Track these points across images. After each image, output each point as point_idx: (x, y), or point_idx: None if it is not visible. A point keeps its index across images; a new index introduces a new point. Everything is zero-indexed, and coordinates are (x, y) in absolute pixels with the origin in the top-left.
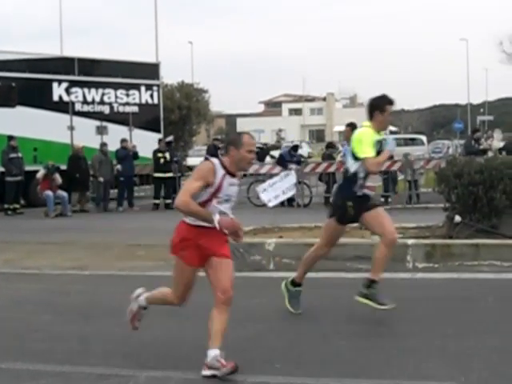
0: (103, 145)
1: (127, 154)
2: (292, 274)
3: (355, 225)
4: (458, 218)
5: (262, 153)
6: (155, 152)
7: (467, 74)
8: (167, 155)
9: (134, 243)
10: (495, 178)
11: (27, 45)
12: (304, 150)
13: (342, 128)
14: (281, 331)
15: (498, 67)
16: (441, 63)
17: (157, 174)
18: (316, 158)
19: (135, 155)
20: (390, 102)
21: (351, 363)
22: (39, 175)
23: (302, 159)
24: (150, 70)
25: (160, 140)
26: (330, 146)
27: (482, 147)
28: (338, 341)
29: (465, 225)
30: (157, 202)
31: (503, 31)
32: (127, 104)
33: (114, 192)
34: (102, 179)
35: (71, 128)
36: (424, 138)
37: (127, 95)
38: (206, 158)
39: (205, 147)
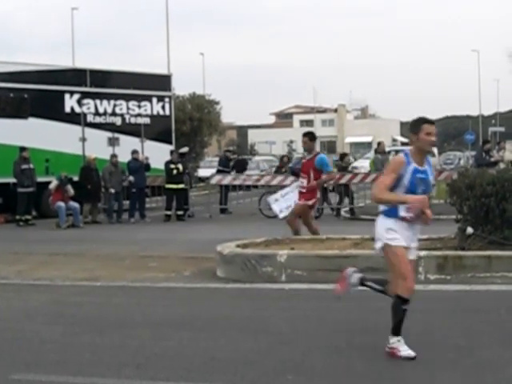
0: (113, 156)
1: (139, 166)
2: (304, 286)
3: (367, 236)
4: (470, 230)
5: (240, 163)
6: (167, 163)
7: (478, 85)
8: (180, 166)
9: (146, 254)
10: (507, 190)
11: (39, 56)
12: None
13: (354, 139)
14: (293, 343)
15: (509, 78)
16: (452, 74)
17: (169, 186)
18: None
19: (147, 167)
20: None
21: (364, 376)
22: (52, 186)
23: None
24: (161, 82)
25: (172, 151)
26: (344, 157)
27: (493, 159)
28: (351, 353)
29: (477, 236)
30: (168, 213)
31: None
32: (139, 115)
33: (125, 203)
34: (113, 190)
35: (83, 139)
36: (435, 150)
37: (139, 106)
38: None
39: (216, 159)
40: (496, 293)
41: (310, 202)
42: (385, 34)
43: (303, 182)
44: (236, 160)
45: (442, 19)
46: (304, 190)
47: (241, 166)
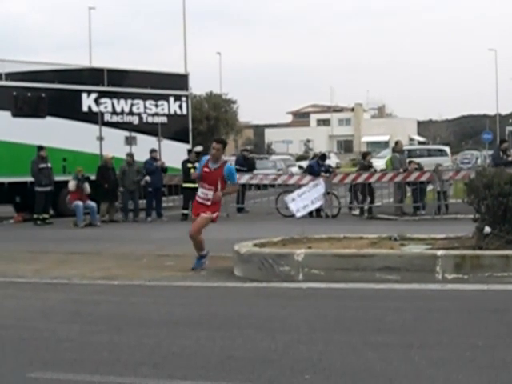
0: (128, 155)
1: (156, 167)
2: (321, 285)
3: (384, 235)
4: (487, 229)
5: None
6: (185, 162)
7: (496, 83)
8: (197, 165)
9: (163, 253)
10: None
11: (56, 55)
12: (332, 161)
13: (371, 138)
14: (310, 342)
15: None
16: (469, 73)
17: (186, 185)
18: (344, 169)
19: (164, 169)
20: None
21: (381, 375)
22: (71, 187)
23: (331, 169)
24: (178, 81)
25: (190, 150)
26: (366, 156)
27: (511, 158)
28: (368, 352)
29: (494, 236)
30: (185, 212)
31: None
32: (156, 114)
33: (142, 202)
34: (121, 189)
35: (100, 138)
36: (448, 149)
37: (156, 106)
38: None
39: (233, 158)
40: None
41: (215, 215)
42: (402, 34)
43: (208, 193)
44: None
45: (459, 18)
46: (209, 203)
47: (249, 166)
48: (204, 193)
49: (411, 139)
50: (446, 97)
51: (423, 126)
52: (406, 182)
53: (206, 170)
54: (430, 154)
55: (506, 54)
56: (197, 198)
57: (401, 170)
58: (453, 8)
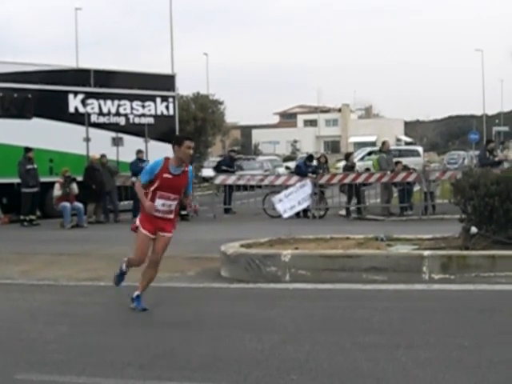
0: (102, 156)
1: (142, 168)
2: (308, 286)
3: (371, 236)
4: (474, 229)
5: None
6: None
7: (482, 84)
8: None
9: (149, 254)
10: (511, 190)
11: (43, 57)
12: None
13: (358, 139)
14: (297, 343)
15: None
16: (456, 74)
17: None
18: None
19: None
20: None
21: (368, 375)
22: (57, 193)
23: (320, 170)
24: (165, 82)
25: None
26: (349, 156)
27: (497, 158)
28: (355, 352)
29: (481, 236)
30: None
31: None
32: (143, 115)
33: (129, 203)
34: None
35: (87, 139)
36: (420, 150)
37: (143, 106)
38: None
39: (220, 158)
40: (500, 292)
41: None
42: (388, 34)
43: (172, 204)
44: (223, 159)
45: (445, 19)
46: (172, 216)
47: (227, 164)
48: (167, 204)
49: (398, 140)
50: (434, 97)
51: (410, 127)
52: (392, 183)
53: (167, 176)
54: (401, 154)
55: (492, 55)
56: (155, 213)
57: (388, 172)
58: (440, 8)
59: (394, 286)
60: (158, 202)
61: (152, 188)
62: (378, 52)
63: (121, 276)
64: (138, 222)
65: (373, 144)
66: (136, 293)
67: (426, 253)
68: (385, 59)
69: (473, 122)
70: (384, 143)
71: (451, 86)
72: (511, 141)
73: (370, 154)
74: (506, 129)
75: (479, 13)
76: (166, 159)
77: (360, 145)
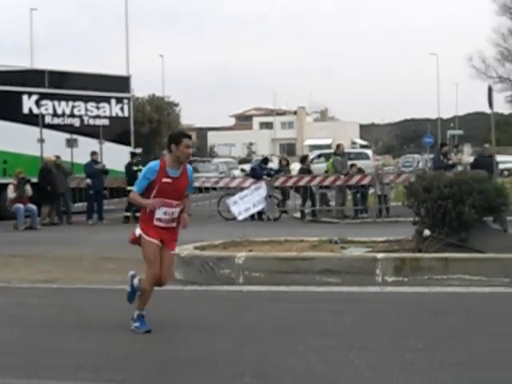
0: (56, 157)
1: (96, 170)
2: (262, 288)
3: (325, 238)
4: (427, 232)
5: None
6: (129, 165)
7: (437, 88)
8: (142, 168)
9: (104, 256)
10: (464, 192)
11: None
12: (275, 164)
13: (313, 142)
14: (250, 345)
15: (468, 82)
16: (412, 78)
17: (130, 188)
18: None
19: (105, 172)
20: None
21: (321, 377)
22: (10, 195)
23: (272, 172)
24: (120, 83)
25: (135, 153)
26: (305, 159)
27: (451, 161)
28: (309, 354)
29: (434, 239)
30: (127, 214)
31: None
32: (97, 117)
33: (84, 205)
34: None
35: (41, 141)
36: (369, 153)
37: (97, 108)
38: None
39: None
40: (453, 295)
41: None
42: (345, 38)
43: (175, 211)
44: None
45: (402, 24)
46: (175, 224)
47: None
48: (169, 212)
49: (353, 143)
50: (389, 101)
51: (366, 130)
52: (347, 186)
53: (166, 180)
54: (350, 157)
55: (448, 59)
56: (156, 223)
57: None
58: (397, 12)
59: (348, 288)
60: (159, 211)
61: (152, 195)
62: (334, 55)
63: (134, 293)
64: (138, 231)
65: (328, 147)
66: (136, 312)
67: (380, 255)
68: (341, 63)
69: (427, 126)
70: (338, 146)
71: (407, 90)
72: (465, 144)
73: (319, 156)
74: (460, 132)
75: (435, 17)
76: (162, 161)
77: (315, 147)
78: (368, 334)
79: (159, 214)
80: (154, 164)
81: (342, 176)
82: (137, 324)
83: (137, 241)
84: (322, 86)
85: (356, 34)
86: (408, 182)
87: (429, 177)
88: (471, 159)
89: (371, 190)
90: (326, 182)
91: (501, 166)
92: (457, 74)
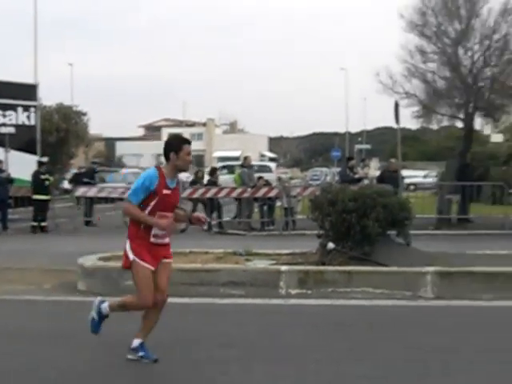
0: None
1: (1, 178)
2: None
3: (230, 250)
4: (331, 245)
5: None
6: (37, 174)
7: (345, 102)
8: (50, 177)
9: (6, 266)
10: (368, 206)
11: None
12: (184, 175)
13: (222, 154)
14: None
15: (376, 97)
16: (322, 92)
17: (36, 196)
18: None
19: (10, 181)
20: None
21: None
22: None
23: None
24: (27, 91)
25: (43, 162)
26: (214, 171)
27: (357, 175)
28: (211, 367)
29: (338, 252)
30: (35, 224)
31: (380, 62)
32: (3, 125)
33: None
34: None
35: None
36: (273, 166)
37: (3, 116)
38: None
39: (82, 170)
40: (356, 307)
41: None
42: (257, 51)
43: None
44: (85, 171)
45: (312, 37)
46: (168, 240)
47: (89, 176)
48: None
49: (262, 155)
50: (299, 114)
51: (275, 143)
52: (254, 198)
53: (167, 192)
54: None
55: (357, 73)
56: (152, 240)
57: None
58: (306, 25)
59: (252, 300)
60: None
61: (148, 209)
62: (245, 67)
63: (100, 321)
64: (130, 254)
65: (237, 159)
66: (137, 341)
67: (284, 268)
68: (250, 75)
69: (335, 140)
70: (246, 158)
71: (316, 103)
72: (373, 158)
73: (223, 168)
74: (367, 146)
75: (344, 32)
76: (160, 170)
77: (224, 159)
78: (271, 346)
79: (156, 229)
80: (152, 172)
81: (249, 188)
82: (137, 355)
83: (130, 266)
84: (232, 98)
85: (266, 45)
86: (313, 196)
87: (334, 190)
88: (378, 173)
89: (278, 203)
90: (234, 194)
91: (407, 181)
92: (366, 88)
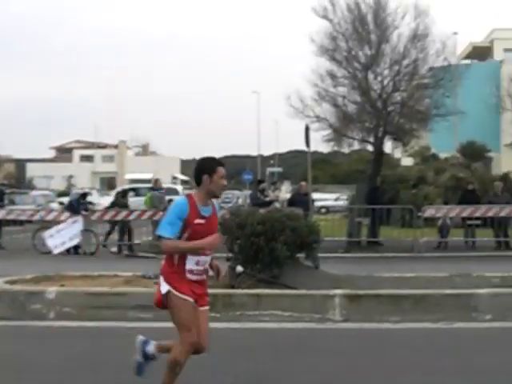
0: None
1: None
2: (73, 324)
3: (139, 273)
4: (239, 268)
5: None
6: None
7: (257, 126)
8: None
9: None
10: (277, 229)
11: None
12: (95, 197)
13: (134, 176)
14: (59, 382)
15: (287, 120)
16: (234, 114)
17: None
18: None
19: None
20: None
21: None
22: None
23: (91, 206)
24: None
25: None
26: (126, 194)
27: (268, 198)
28: None
29: (247, 275)
30: None
31: (292, 86)
32: None
33: None
34: None
35: None
36: (179, 188)
37: None
38: None
39: None
40: (264, 330)
41: None
42: (165, 72)
43: (207, 260)
44: None
45: (225, 60)
46: (205, 277)
47: None
48: (202, 262)
49: (174, 177)
50: (212, 137)
51: (187, 165)
52: None
53: (200, 221)
54: (137, 193)
55: (270, 97)
56: (188, 276)
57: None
58: (218, 46)
59: (160, 324)
60: (191, 261)
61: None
62: (156, 91)
63: (145, 363)
64: (164, 286)
65: (148, 181)
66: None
67: None
68: (162, 98)
69: (247, 162)
70: (156, 181)
71: (229, 126)
72: (285, 182)
73: (131, 190)
74: (279, 170)
75: (257, 56)
76: (190, 198)
77: (136, 182)
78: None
79: (190, 264)
80: (182, 200)
81: (161, 211)
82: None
83: (163, 302)
84: (144, 120)
85: (177, 67)
86: (222, 219)
87: (243, 213)
88: (289, 196)
89: None
90: (145, 217)
91: (318, 204)
92: (278, 112)
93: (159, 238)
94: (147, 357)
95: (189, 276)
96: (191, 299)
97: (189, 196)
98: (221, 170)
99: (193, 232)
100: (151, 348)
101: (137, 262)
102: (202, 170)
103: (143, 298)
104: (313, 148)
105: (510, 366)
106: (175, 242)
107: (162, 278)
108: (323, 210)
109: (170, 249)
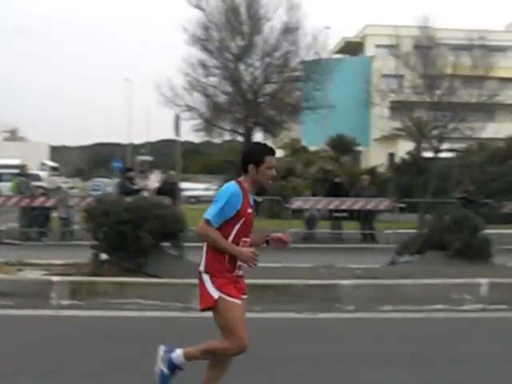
0: None
1: None
2: None
3: (2, 260)
4: (104, 256)
5: None
6: None
7: (129, 114)
8: None
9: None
10: (142, 218)
11: None
12: None
13: (1, 161)
14: None
15: (160, 109)
16: (106, 102)
17: None
18: None
19: None
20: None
21: None
22: None
23: None
24: None
25: None
26: None
27: (136, 187)
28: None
29: (111, 263)
30: None
31: (163, 75)
32: None
33: None
34: None
35: None
36: (42, 174)
37: None
38: None
39: None
40: (127, 319)
41: None
42: (39, 58)
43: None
44: None
45: (97, 46)
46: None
47: None
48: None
49: (43, 164)
50: (83, 124)
51: (56, 152)
52: (31, 207)
53: (250, 211)
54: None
55: (142, 85)
56: (237, 272)
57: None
58: (92, 37)
59: (22, 311)
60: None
61: (231, 236)
62: (27, 76)
63: (171, 375)
64: (213, 292)
65: (16, 167)
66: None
67: (55, 278)
68: (34, 83)
69: (118, 150)
70: (23, 167)
71: (100, 114)
72: (154, 171)
73: None
74: (149, 158)
75: (130, 44)
76: (242, 185)
77: (3, 167)
78: (40, 359)
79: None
80: (234, 188)
81: (27, 199)
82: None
83: (215, 304)
84: (12, 105)
85: (54, 54)
86: (87, 206)
87: (108, 201)
88: (157, 185)
89: (55, 213)
90: (10, 203)
91: (188, 193)
92: (150, 100)
93: (206, 221)
94: (173, 367)
95: (237, 272)
96: (240, 301)
97: (240, 184)
98: (269, 160)
99: (247, 221)
100: (179, 355)
101: (6, 249)
102: (249, 158)
103: (5, 284)
104: (184, 138)
105: (367, 355)
106: (217, 234)
107: (206, 278)
108: (193, 200)
109: (208, 238)
